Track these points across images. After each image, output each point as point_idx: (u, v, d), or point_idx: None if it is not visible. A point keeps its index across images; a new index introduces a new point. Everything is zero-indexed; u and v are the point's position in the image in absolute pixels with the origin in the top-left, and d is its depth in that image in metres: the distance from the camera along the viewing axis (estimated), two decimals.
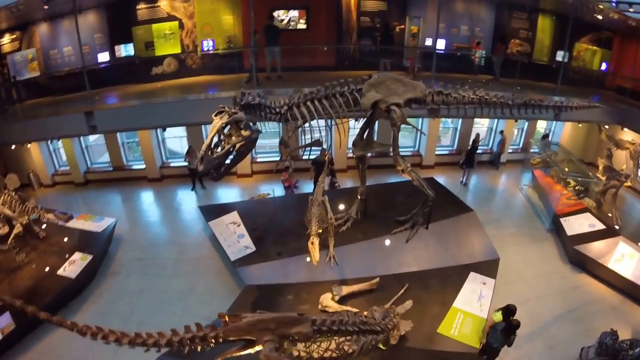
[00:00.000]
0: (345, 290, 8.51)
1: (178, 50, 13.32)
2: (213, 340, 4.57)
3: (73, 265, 10.34)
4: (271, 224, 10.72)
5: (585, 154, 15.68)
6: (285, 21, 13.50)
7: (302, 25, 13.36)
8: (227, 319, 4.64)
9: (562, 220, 11.70)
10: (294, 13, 13.44)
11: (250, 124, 7.87)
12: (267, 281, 9.10)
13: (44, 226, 11.24)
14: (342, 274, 9.09)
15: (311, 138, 8.91)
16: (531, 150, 15.74)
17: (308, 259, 9.31)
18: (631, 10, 11.32)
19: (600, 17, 12.92)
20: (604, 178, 12.16)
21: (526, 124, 16.02)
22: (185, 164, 14.00)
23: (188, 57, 13.46)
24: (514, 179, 15.53)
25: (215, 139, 7.41)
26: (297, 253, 9.51)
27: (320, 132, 8.74)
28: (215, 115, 7.41)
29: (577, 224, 11.47)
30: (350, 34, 13.66)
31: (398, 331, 7.02)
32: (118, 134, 14.51)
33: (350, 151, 14.39)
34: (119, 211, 13.58)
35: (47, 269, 10.22)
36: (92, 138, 15.33)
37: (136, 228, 12.71)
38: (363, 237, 9.80)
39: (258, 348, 4.67)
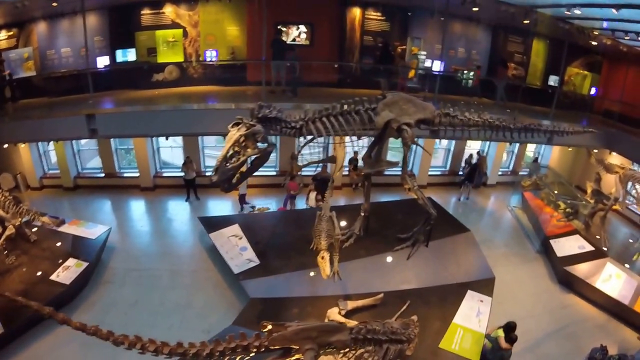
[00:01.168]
0: (351, 305, 8.73)
1: (180, 58, 13.41)
2: (255, 350, 4.71)
3: (67, 272, 10.22)
4: (273, 238, 10.89)
5: (572, 176, 16.45)
6: (295, 35, 13.80)
7: (305, 41, 13.71)
8: (270, 327, 4.81)
9: (552, 241, 12.27)
10: (303, 29, 13.78)
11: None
12: (271, 295, 9.24)
13: (34, 229, 11.11)
14: (345, 289, 9.28)
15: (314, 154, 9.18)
16: (520, 173, 16.45)
17: (312, 274, 9.60)
18: (627, 38, 12.05)
19: (592, 42, 13.71)
20: (592, 201, 12.85)
21: (517, 147, 16.75)
22: (181, 174, 14.05)
23: (190, 66, 13.59)
24: (503, 200, 16.17)
25: (231, 151, 7.61)
26: (301, 268, 9.68)
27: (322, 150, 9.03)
28: (232, 126, 7.50)
29: (567, 246, 12.04)
30: (352, 52, 14.11)
31: (414, 343, 7.28)
32: (112, 140, 14.42)
33: (347, 169, 15.02)
34: (110, 219, 13.48)
35: (39, 273, 10.06)
36: (83, 142, 15.17)
37: (129, 237, 12.65)
38: (366, 253, 10.05)
39: (297, 357, 4.86)
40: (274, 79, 12.53)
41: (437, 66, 13.78)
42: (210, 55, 13.67)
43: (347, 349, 5.46)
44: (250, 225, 11.27)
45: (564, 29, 13.13)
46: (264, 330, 4.90)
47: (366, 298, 9.00)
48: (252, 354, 4.80)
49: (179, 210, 14.09)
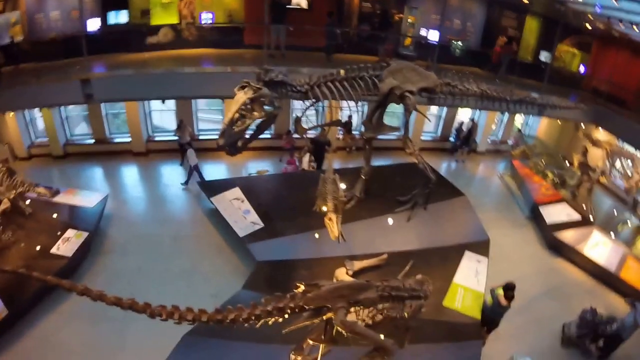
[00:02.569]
0: (357, 265, 9.09)
1: (175, 20, 13.18)
2: (290, 311, 4.84)
3: (67, 243, 10.06)
4: (275, 200, 11.06)
5: (559, 148, 17.07)
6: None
7: (304, 5, 13.64)
8: (304, 287, 5.02)
9: (541, 208, 12.90)
10: None
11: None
12: (278, 257, 9.48)
13: (27, 201, 10.73)
14: (350, 250, 9.56)
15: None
16: (508, 142, 17.11)
17: (317, 235, 9.89)
18: (621, 26, 12.55)
19: (584, 23, 14.20)
20: (578, 172, 13.54)
21: (506, 116, 17.32)
22: (174, 138, 13.97)
23: (185, 28, 13.36)
24: (492, 167, 16.80)
25: (237, 114, 7.68)
26: (305, 229, 9.95)
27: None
28: (239, 89, 7.59)
29: (555, 213, 12.69)
30: (350, 18, 14.15)
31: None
32: (102, 105, 14.15)
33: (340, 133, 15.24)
34: (104, 186, 13.37)
35: (38, 247, 9.90)
36: (71, 108, 14.80)
37: (126, 204, 12.57)
38: (367, 215, 10.38)
39: (329, 315, 5.10)
40: (274, 43, 12.49)
41: (432, 36, 14.02)
42: (206, 18, 13.46)
43: (373, 306, 5.78)
44: (251, 189, 11.38)
45: (558, 9, 13.57)
46: (298, 291, 5.11)
47: (371, 258, 9.40)
48: (286, 316, 4.90)
49: (174, 175, 14.02)
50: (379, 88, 8.94)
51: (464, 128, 15.94)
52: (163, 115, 16.16)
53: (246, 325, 4.83)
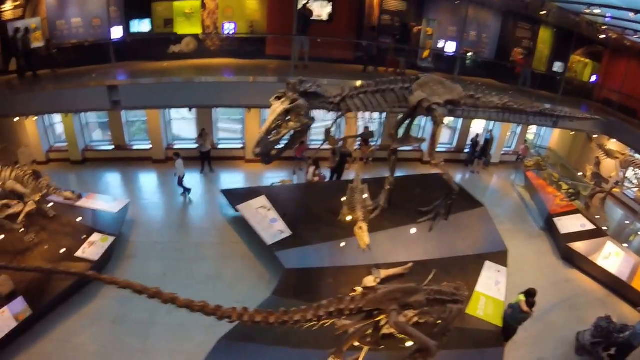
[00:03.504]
0: (384, 273, 9.43)
1: (198, 30, 13.52)
2: (348, 312, 5.16)
3: (93, 247, 10.28)
4: (299, 210, 11.41)
5: (570, 158, 17.48)
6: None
7: (324, 17, 14.04)
8: (362, 290, 5.35)
9: (555, 219, 13.24)
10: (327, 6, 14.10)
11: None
12: (305, 265, 9.80)
13: (50, 204, 11.05)
14: (374, 259, 9.89)
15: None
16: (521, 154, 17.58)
17: (342, 244, 10.23)
18: (636, 37, 13.03)
19: (598, 34, 14.68)
20: (591, 183, 13.94)
21: (520, 128, 17.76)
22: (193, 146, 14.30)
23: (207, 38, 13.73)
24: (505, 178, 17.18)
25: (274, 124, 7.94)
26: (331, 238, 10.30)
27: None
28: (275, 100, 7.87)
29: (569, 224, 13.00)
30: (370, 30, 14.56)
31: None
32: (122, 112, 14.46)
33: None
34: (123, 192, 13.69)
35: (62, 250, 10.09)
36: (90, 114, 15.13)
37: (146, 210, 12.87)
38: (390, 225, 10.73)
39: (381, 317, 5.43)
40: (298, 54, 12.85)
41: (449, 47, 14.48)
42: (229, 28, 13.85)
43: (420, 309, 6.10)
44: (275, 198, 11.70)
45: (572, 20, 14.00)
46: (354, 295, 5.43)
47: (395, 267, 9.72)
48: (343, 317, 5.25)
49: (194, 182, 14.28)
50: (408, 100, 9.28)
51: (480, 140, 16.37)
52: (180, 124, 16.52)
53: (306, 326, 5.17)
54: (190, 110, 14.08)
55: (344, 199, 10.62)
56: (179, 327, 8.99)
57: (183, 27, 13.55)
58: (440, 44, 14.92)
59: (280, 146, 8.30)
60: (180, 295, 8.46)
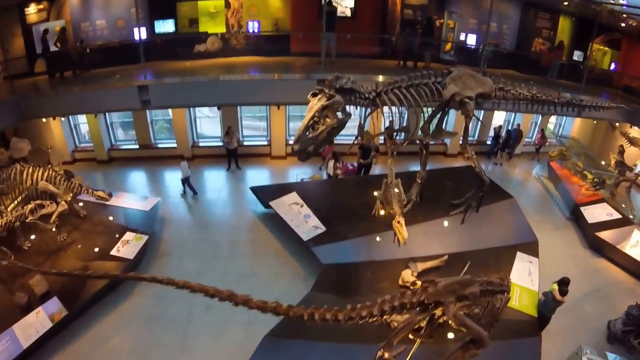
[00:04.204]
0: (420, 266, 9.65)
1: (222, 29, 13.70)
2: (409, 306, 5.36)
3: (127, 246, 10.56)
4: (332, 205, 11.62)
5: (592, 147, 17.50)
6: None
7: (348, 13, 14.22)
8: (422, 284, 5.56)
9: (582, 209, 13.42)
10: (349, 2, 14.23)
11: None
12: (342, 260, 10.00)
13: (80, 204, 11.36)
14: (409, 252, 10.12)
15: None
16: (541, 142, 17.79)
17: (378, 239, 10.45)
18: None
19: (616, 21, 14.76)
20: (616, 172, 14.08)
21: (540, 118, 17.89)
22: (218, 144, 14.51)
23: (232, 37, 13.93)
24: (527, 169, 17.34)
25: (312, 121, 8.09)
26: (366, 233, 10.51)
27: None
28: (312, 96, 7.99)
29: (596, 213, 13.19)
30: (393, 25, 14.73)
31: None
32: (147, 111, 14.69)
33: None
34: (150, 191, 13.91)
35: (96, 249, 10.37)
36: (115, 114, 15.39)
37: (176, 208, 13.12)
38: (423, 218, 10.94)
39: (438, 309, 5.62)
40: (324, 51, 13.01)
41: (470, 40, 14.64)
42: (253, 26, 14.05)
43: (475, 300, 6.30)
44: (306, 193, 11.93)
45: (593, 8, 14.10)
46: (415, 288, 5.64)
47: (430, 260, 9.93)
48: (405, 310, 5.43)
49: (221, 180, 14.56)
50: (441, 95, 9.45)
51: (502, 132, 16.52)
52: (203, 122, 16.85)
53: (371, 321, 5.36)
54: (219, 108, 14.30)
55: (376, 193, 10.90)
56: (216, 325, 9.29)
57: (207, 27, 13.71)
58: (462, 37, 15.06)
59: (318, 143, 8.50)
60: None
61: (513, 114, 17.33)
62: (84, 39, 13.13)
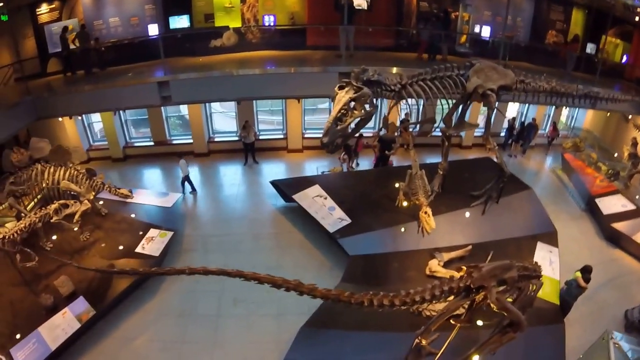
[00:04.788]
0: (446, 256, 10.08)
1: (238, 24, 14.03)
2: (456, 291, 5.75)
3: (152, 243, 10.78)
4: (355, 197, 11.99)
5: (604, 139, 18.06)
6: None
7: (364, 6, 14.50)
8: (467, 269, 5.96)
9: (597, 200, 13.86)
10: None
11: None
12: (369, 251, 10.37)
13: (100, 202, 11.56)
14: (434, 243, 10.53)
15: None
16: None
17: (403, 229, 10.86)
18: None
19: (629, 14, 15.24)
20: (629, 164, 14.58)
21: (553, 110, 18.39)
22: (234, 139, 14.87)
23: (248, 31, 14.26)
24: (541, 160, 17.79)
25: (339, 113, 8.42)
26: (390, 224, 10.89)
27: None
28: (339, 89, 8.29)
29: (611, 204, 13.61)
30: (409, 17, 15.15)
31: None
32: (162, 108, 15.00)
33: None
34: (167, 187, 14.20)
35: (121, 247, 10.59)
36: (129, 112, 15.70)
37: (196, 204, 13.45)
38: (446, 209, 11.32)
39: (481, 294, 6.01)
40: (343, 43, 13.41)
41: (485, 32, 15.11)
42: (269, 20, 14.39)
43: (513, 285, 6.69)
44: (328, 186, 12.30)
45: (606, 1, 14.59)
46: (462, 274, 6.03)
47: (454, 250, 10.36)
48: (452, 296, 5.82)
49: (239, 174, 14.94)
50: (465, 87, 9.86)
51: (516, 124, 16.99)
52: (217, 118, 17.23)
53: (423, 305, 5.78)
54: (239, 103, 14.66)
55: (398, 184, 11.30)
56: (246, 318, 9.62)
57: (223, 21, 14.04)
58: (476, 29, 15.51)
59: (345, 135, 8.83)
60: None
61: (526, 106, 17.79)
62: (98, 37, 13.45)
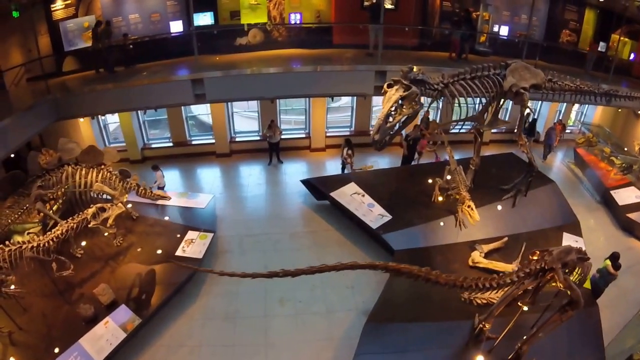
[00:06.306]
0: (486, 248, 11.42)
1: (264, 21, 15.00)
2: (533, 273, 7.07)
3: (192, 245, 11.25)
4: (392, 194, 13.17)
5: (613, 134, 19.83)
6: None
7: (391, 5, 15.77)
8: (539, 253, 7.28)
9: (612, 192, 15.56)
10: None
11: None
12: (412, 245, 11.51)
13: (129, 205, 11.80)
14: (470, 236, 11.84)
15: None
16: (567, 131, 20.04)
17: (442, 223, 12.17)
18: None
19: (637, 12, 17.07)
20: None
21: (564, 106, 20.17)
22: (256, 138, 15.88)
23: (274, 29, 15.27)
24: (552, 156, 19.34)
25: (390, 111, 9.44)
26: (430, 219, 12.13)
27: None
28: (388, 87, 9.30)
29: (626, 196, 15.30)
30: (433, 17, 16.54)
31: None
32: (182, 108, 15.87)
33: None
34: (188, 188, 15.01)
35: (159, 251, 11.01)
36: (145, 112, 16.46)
37: (225, 205, 14.27)
38: (479, 203, 12.49)
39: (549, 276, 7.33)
40: (372, 42, 14.63)
41: (503, 31, 16.71)
42: (295, 19, 15.43)
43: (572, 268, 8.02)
44: (362, 184, 13.45)
45: (622, 3, 16.31)
46: (535, 257, 7.34)
47: (492, 242, 11.65)
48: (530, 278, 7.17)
49: (264, 174, 15.90)
50: (502, 86, 11.23)
51: (529, 119, 18.60)
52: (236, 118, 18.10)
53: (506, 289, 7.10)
54: (272, 102, 15.66)
55: (431, 180, 12.60)
56: (295, 317, 10.33)
57: (249, 19, 14.85)
58: (495, 29, 17.09)
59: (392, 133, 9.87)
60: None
61: (539, 103, 19.50)
62: (126, 34, 14.18)
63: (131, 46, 14.20)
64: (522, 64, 11.62)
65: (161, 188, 13.89)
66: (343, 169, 15.74)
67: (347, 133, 18.09)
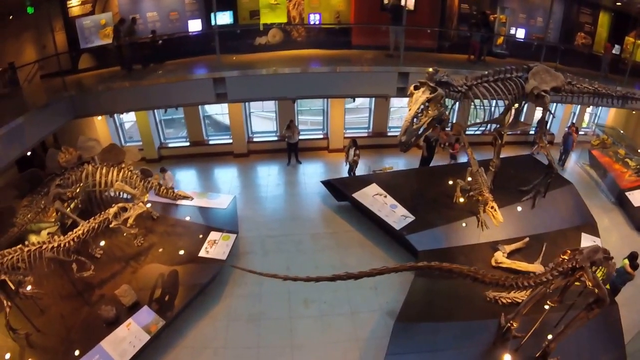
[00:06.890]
0: (508, 248, 11.97)
1: (283, 21, 15.37)
2: (566, 271, 7.62)
3: (216, 246, 11.44)
4: (413, 195, 13.69)
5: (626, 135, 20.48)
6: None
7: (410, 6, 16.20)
8: (570, 252, 7.82)
9: (627, 193, 16.17)
10: None
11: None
12: (436, 246, 12.02)
13: (148, 205, 11.68)
14: (492, 236, 12.29)
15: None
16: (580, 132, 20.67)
17: (464, 224, 12.69)
18: None
19: None
20: None
21: (578, 108, 20.80)
22: (273, 139, 16.34)
23: (294, 29, 15.75)
24: (570, 158, 19.87)
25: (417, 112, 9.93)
26: (452, 220, 12.65)
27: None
28: (414, 89, 9.72)
29: None
30: (451, 19, 17.10)
31: None
32: (200, 107, 16.32)
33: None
34: (206, 188, 15.43)
35: (181, 252, 11.18)
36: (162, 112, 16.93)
37: (244, 205, 14.63)
38: (500, 204, 12.83)
39: (579, 274, 7.87)
40: (392, 44, 15.15)
41: (519, 34, 17.34)
42: (314, 19, 15.90)
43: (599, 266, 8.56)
44: (383, 185, 13.93)
45: (638, 7, 16.93)
46: (565, 257, 7.88)
47: (514, 243, 12.15)
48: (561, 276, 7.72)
49: (282, 174, 16.36)
50: (524, 88, 11.76)
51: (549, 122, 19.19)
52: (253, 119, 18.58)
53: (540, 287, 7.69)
54: (294, 102, 16.12)
55: (451, 182, 13.12)
56: (320, 319, 10.64)
57: (268, 19, 15.17)
58: (511, 31, 17.71)
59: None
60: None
61: (554, 105, 20.11)
62: (154, 31, 14.60)
63: (160, 42, 14.63)
64: (543, 67, 12.17)
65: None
66: (350, 170, 16.15)
67: (365, 134, 18.73)
